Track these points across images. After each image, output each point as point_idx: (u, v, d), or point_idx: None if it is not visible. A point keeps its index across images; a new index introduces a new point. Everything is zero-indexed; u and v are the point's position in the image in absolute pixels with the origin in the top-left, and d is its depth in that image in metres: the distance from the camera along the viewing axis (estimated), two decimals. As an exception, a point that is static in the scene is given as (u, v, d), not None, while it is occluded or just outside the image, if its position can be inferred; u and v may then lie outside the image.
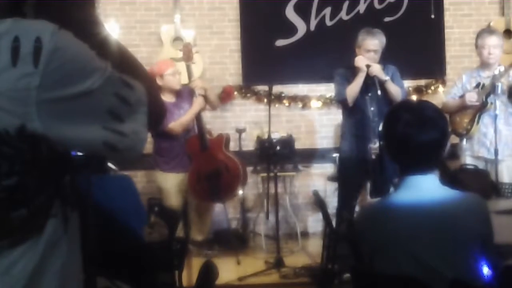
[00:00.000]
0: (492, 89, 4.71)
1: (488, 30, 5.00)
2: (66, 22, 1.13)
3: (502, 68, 4.67)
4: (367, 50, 4.67)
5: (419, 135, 2.00)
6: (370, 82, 4.64)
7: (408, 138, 2.02)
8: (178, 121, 5.04)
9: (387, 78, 4.66)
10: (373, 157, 4.55)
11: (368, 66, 4.60)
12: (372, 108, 4.67)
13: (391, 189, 3.87)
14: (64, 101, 1.02)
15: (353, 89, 4.68)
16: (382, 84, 4.63)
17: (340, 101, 4.89)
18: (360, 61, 4.64)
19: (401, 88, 4.79)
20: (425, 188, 2.03)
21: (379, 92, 4.58)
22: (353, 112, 4.77)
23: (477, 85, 4.86)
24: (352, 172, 4.78)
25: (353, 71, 4.71)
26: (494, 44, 4.78)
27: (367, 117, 4.67)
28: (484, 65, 4.88)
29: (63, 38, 1.04)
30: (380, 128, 4.60)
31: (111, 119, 1.07)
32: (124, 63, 1.16)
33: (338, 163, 5.06)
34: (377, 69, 4.62)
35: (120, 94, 1.09)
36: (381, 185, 4.72)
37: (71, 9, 1.15)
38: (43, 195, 1.05)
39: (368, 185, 4.90)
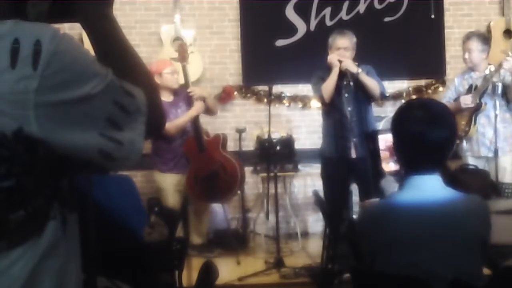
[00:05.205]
0: (486, 89, 4.79)
1: (467, 34, 5.06)
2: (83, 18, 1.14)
3: (492, 68, 4.77)
4: (337, 48, 4.83)
5: (432, 132, 1.99)
6: (345, 81, 4.75)
7: (421, 135, 2.00)
8: (173, 123, 5.03)
9: (359, 70, 4.74)
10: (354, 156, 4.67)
11: (340, 61, 4.73)
12: (349, 108, 4.78)
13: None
14: (63, 105, 1.01)
15: (328, 85, 4.77)
16: (356, 78, 4.71)
17: (318, 97, 4.98)
18: (332, 58, 4.80)
19: (377, 82, 4.86)
20: (428, 189, 2.02)
21: (351, 83, 4.69)
22: (331, 113, 4.86)
23: (470, 87, 4.91)
24: (335, 172, 4.82)
25: (328, 71, 4.81)
26: (469, 47, 4.91)
27: (344, 117, 4.77)
28: (472, 66, 4.95)
29: (63, 42, 1.03)
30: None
31: (109, 126, 1.06)
32: (129, 66, 1.16)
33: (321, 165, 5.09)
34: (348, 63, 4.75)
35: (119, 102, 1.07)
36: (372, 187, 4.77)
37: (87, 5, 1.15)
38: (41, 197, 1.04)
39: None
